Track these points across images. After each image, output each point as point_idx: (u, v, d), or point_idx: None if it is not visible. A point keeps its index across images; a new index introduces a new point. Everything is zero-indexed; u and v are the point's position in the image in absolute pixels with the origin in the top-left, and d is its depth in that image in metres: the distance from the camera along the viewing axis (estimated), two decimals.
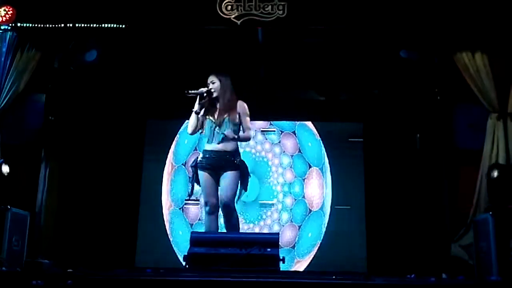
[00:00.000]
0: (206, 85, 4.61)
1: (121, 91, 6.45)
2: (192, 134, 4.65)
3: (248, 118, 4.65)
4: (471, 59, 5.35)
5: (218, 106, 4.60)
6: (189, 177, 4.81)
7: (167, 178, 6.66)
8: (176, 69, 6.12)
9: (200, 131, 4.62)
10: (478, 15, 5.28)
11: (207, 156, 4.56)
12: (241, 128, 4.63)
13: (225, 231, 4.58)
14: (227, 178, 4.50)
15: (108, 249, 6.18)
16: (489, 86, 5.27)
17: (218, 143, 4.51)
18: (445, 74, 5.59)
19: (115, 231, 6.32)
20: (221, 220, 4.68)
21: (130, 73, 6.29)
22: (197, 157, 4.65)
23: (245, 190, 4.66)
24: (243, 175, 4.61)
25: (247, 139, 4.71)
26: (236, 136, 4.53)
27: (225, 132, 4.47)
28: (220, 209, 4.60)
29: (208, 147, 4.58)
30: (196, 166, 4.60)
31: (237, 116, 4.59)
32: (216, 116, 4.56)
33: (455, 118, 5.45)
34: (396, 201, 6.25)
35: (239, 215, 4.77)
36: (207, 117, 4.58)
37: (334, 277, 3.67)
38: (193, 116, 4.56)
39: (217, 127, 4.52)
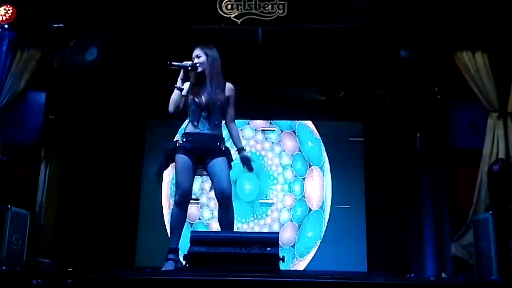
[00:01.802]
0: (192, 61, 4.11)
1: (121, 90, 6.45)
2: (173, 112, 4.09)
3: (235, 106, 4.15)
4: (471, 58, 5.34)
5: (204, 86, 4.06)
6: (160, 165, 4.15)
7: (167, 177, 6.66)
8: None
9: (181, 109, 4.10)
10: (478, 14, 5.27)
11: (190, 139, 4.02)
12: (226, 115, 4.11)
13: (218, 228, 4.13)
14: (219, 165, 3.98)
15: (108, 248, 6.19)
16: (489, 86, 5.26)
17: (204, 129, 4.01)
18: (445, 73, 5.59)
19: (115, 230, 6.33)
20: (214, 213, 4.29)
21: (130, 73, 6.28)
22: (177, 141, 4.08)
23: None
24: (229, 163, 4.07)
25: (238, 137, 4.16)
26: (235, 137, 4.11)
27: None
28: (219, 202, 4.04)
29: (192, 130, 4.05)
30: (174, 150, 4.03)
31: (226, 100, 4.08)
32: (203, 99, 4.01)
33: (455, 118, 5.44)
34: (396, 200, 6.26)
35: (237, 214, 4.52)
36: (191, 97, 4.06)
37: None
38: (175, 93, 4.06)
39: (204, 112, 4.01)
